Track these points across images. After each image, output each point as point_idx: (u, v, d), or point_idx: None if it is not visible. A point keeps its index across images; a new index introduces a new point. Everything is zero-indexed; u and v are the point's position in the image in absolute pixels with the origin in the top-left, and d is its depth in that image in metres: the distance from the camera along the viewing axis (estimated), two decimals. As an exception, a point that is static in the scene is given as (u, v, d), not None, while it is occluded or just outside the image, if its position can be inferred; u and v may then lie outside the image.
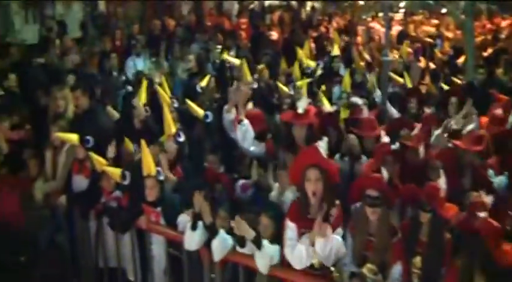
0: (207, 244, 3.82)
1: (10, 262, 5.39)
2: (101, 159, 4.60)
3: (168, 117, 4.90)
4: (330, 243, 3.30)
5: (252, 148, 4.63)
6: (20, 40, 11.17)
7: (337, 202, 3.51)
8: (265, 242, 3.52)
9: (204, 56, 8.74)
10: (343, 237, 3.51)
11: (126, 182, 4.36)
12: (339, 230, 3.45)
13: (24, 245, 5.27)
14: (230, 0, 13.52)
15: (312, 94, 6.44)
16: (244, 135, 4.62)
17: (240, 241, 3.66)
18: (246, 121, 4.63)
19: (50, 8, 13.30)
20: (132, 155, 5.01)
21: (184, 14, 12.94)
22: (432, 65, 8.76)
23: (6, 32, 11.85)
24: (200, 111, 5.33)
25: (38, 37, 11.79)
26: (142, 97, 5.50)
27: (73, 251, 4.90)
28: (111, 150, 4.86)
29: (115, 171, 4.45)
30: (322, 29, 11.26)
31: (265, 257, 3.51)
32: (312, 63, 7.74)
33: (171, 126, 4.84)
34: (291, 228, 3.49)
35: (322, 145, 4.44)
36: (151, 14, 13.11)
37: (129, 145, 5.08)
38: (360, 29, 11.41)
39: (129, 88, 7.00)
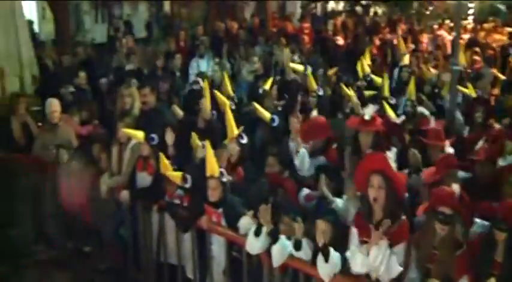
0: (268, 249, 3.82)
1: (75, 251, 5.64)
2: (167, 162, 4.62)
3: (231, 119, 4.93)
4: (382, 254, 3.21)
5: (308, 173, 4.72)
6: (89, 39, 11.69)
7: (404, 217, 3.41)
8: (332, 251, 3.46)
9: (268, 59, 8.80)
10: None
11: (187, 185, 4.40)
12: (401, 246, 3.35)
13: (90, 236, 5.49)
14: (293, 1, 13.51)
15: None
16: (302, 163, 4.81)
17: (297, 244, 3.64)
18: (302, 150, 4.80)
19: (118, 8, 13.81)
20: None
21: (246, 17, 13.07)
22: (502, 76, 8.41)
23: (77, 31, 12.40)
24: (267, 115, 5.33)
25: (106, 36, 12.30)
26: (207, 98, 5.58)
27: (135, 245, 5.00)
28: (171, 148, 4.95)
29: (176, 175, 4.48)
30: (387, 35, 11.04)
31: (331, 266, 3.45)
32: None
33: (233, 128, 4.87)
34: (353, 234, 3.44)
35: (391, 156, 4.35)
36: (214, 15, 13.32)
37: (196, 141, 5.12)
38: (426, 36, 11.13)
39: (194, 87, 7.09)
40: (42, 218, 6.03)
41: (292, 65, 7.65)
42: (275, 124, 5.32)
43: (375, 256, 3.21)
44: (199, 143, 5.02)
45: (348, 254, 3.44)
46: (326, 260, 3.41)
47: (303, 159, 4.79)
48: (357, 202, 3.88)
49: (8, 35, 6.77)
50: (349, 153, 4.71)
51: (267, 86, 6.52)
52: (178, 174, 4.45)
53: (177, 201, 4.55)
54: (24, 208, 6.12)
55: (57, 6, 10.99)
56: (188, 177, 4.39)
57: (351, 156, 4.62)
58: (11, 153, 6.00)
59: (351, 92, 6.28)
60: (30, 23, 10.81)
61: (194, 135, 5.08)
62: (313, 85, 6.34)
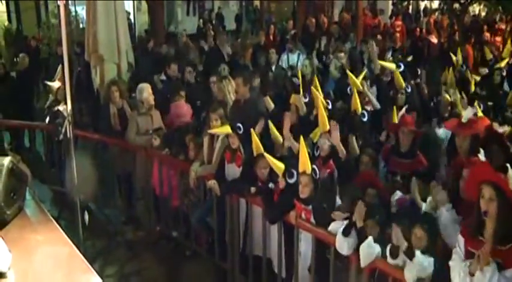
0: (357, 249, 3.74)
1: (163, 235, 5.82)
2: (259, 143, 4.60)
3: (323, 114, 4.83)
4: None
5: None
6: (181, 30, 12.02)
7: None
8: (417, 253, 3.36)
9: (358, 56, 8.58)
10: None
11: (291, 181, 4.26)
12: None
13: (177, 222, 5.63)
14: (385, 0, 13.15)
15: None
16: None
17: (394, 252, 3.52)
18: None
19: (209, 1, 14.14)
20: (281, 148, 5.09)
21: (335, 13, 12.87)
22: None
23: (170, 22, 12.82)
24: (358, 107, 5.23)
25: (196, 28, 12.63)
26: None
27: (221, 234, 5.05)
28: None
29: (280, 166, 4.36)
30: (486, 35, 10.43)
31: (413, 270, 3.34)
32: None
33: (326, 123, 4.78)
34: (460, 242, 3.24)
35: (481, 158, 4.07)
36: (303, 10, 13.22)
37: (278, 137, 5.13)
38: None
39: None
40: (132, 201, 6.29)
41: (382, 62, 7.40)
42: (365, 119, 5.21)
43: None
44: (280, 138, 5.04)
45: (450, 263, 3.24)
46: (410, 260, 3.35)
47: None
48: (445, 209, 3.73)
49: (109, 25, 6.98)
50: (444, 157, 4.52)
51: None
52: (282, 166, 4.36)
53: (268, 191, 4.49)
54: (117, 190, 6.43)
55: (152, -2, 11.39)
56: (294, 172, 4.25)
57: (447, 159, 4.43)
58: (108, 137, 6.27)
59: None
60: (127, 13, 11.29)
61: (273, 129, 5.02)
62: (401, 82, 6.12)
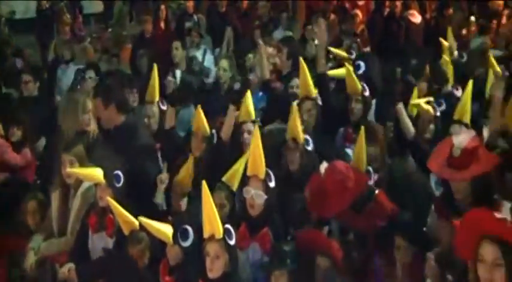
0: None
1: None
2: (125, 213, 4.71)
3: (259, 149, 4.79)
4: None
5: None
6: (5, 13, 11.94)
7: None
8: None
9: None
10: None
11: (186, 245, 4.40)
12: None
13: None
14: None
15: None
16: None
17: None
18: None
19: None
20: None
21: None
22: None
23: None
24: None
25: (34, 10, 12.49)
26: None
27: None
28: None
29: (165, 231, 4.47)
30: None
31: None
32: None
33: (260, 166, 4.75)
34: None
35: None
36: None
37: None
38: None
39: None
40: None
41: (333, 49, 7.79)
42: (309, 148, 5.45)
43: None
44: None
45: None
46: None
47: None
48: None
49: None
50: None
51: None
52: (168, 228, 4.47)
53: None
54: None
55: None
56: (190, 231, 4.40)
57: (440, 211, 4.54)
58: None
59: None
60: None
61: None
62: (357, 85, 6.31)
